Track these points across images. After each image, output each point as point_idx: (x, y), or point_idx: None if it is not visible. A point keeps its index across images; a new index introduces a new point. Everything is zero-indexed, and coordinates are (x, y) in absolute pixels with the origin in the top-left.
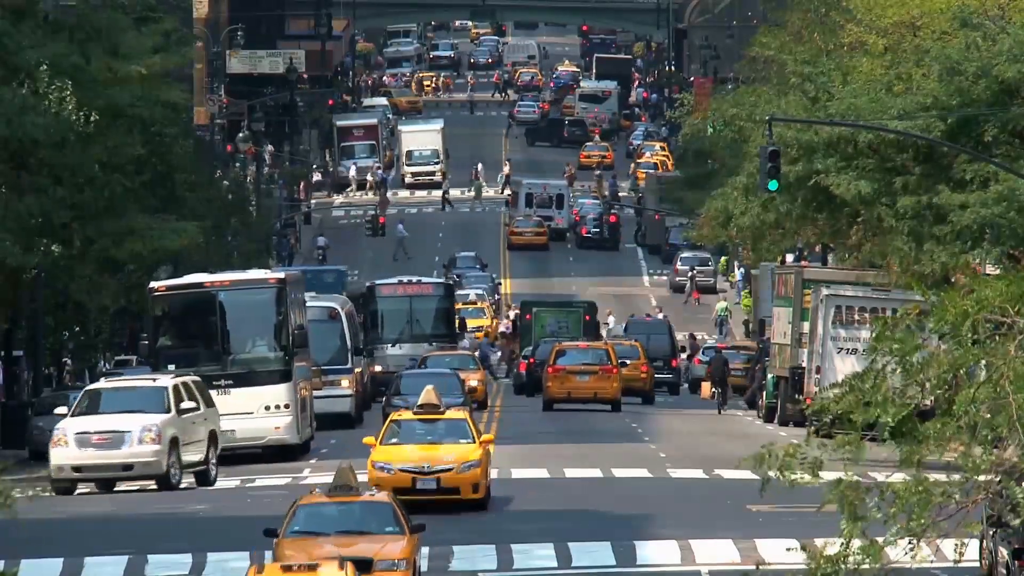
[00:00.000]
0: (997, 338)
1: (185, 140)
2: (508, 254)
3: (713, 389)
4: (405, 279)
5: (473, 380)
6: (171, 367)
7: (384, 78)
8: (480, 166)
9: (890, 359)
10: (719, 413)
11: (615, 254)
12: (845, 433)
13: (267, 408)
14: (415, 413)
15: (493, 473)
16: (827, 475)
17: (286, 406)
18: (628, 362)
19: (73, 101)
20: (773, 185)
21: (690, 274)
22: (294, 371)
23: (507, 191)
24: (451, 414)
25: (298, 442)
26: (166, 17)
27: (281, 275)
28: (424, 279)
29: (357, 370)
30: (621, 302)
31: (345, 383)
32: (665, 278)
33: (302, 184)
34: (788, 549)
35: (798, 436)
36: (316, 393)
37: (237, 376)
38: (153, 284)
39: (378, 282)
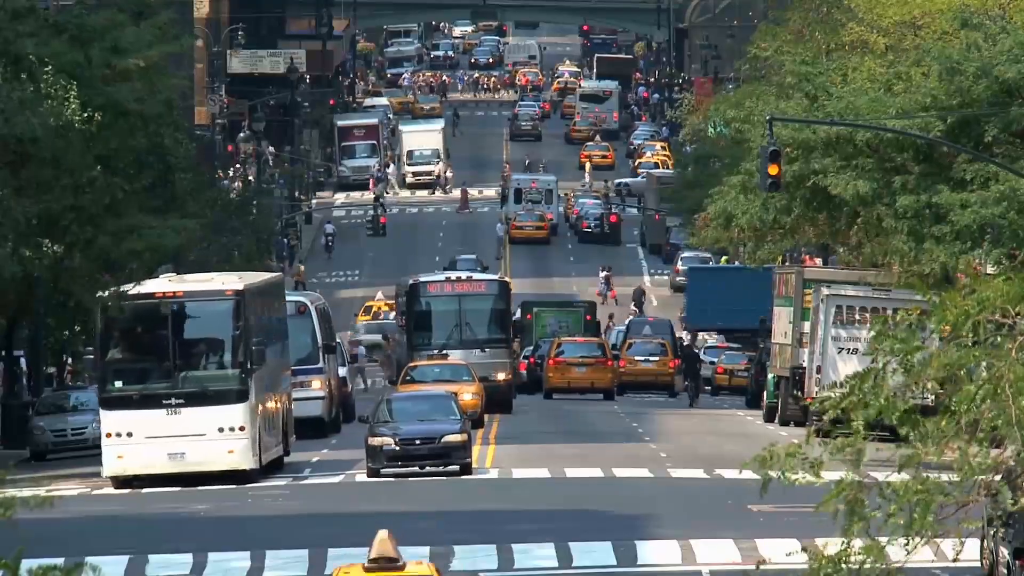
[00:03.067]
0: (998, 339)
1: (185, 139)
2: (509, 256)
3: (685, 383)
4: (454, 275)
5: (467, 393)
6: (118, 383)
7: (402, 79)
8: (392, 167)
9: (891, 359)
10: (691, 407)
11: (616, 253)
12: (845, 434)
13: (220, 430)
14: (366, 569)
15: (494, 473)
16: (828, 475)
17: (241, 428)
18: (656, 358)
19: (76, 102)
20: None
21: (603, 274)
22: (252, 390)
23: (450, 191)
24: (413, 570)
25: (255, 467)
26: (163, 12)
27: (239, 286)
28: (476, 275)
29: (334, 378)
30: (622, 302)
31: (316, 384)
32: (666, 277)
33: (373, 183)
34: (788, 554)
35: (799, 436)
36: None
37: (189, 395)
38: (101, 293)
39: (423, 278)
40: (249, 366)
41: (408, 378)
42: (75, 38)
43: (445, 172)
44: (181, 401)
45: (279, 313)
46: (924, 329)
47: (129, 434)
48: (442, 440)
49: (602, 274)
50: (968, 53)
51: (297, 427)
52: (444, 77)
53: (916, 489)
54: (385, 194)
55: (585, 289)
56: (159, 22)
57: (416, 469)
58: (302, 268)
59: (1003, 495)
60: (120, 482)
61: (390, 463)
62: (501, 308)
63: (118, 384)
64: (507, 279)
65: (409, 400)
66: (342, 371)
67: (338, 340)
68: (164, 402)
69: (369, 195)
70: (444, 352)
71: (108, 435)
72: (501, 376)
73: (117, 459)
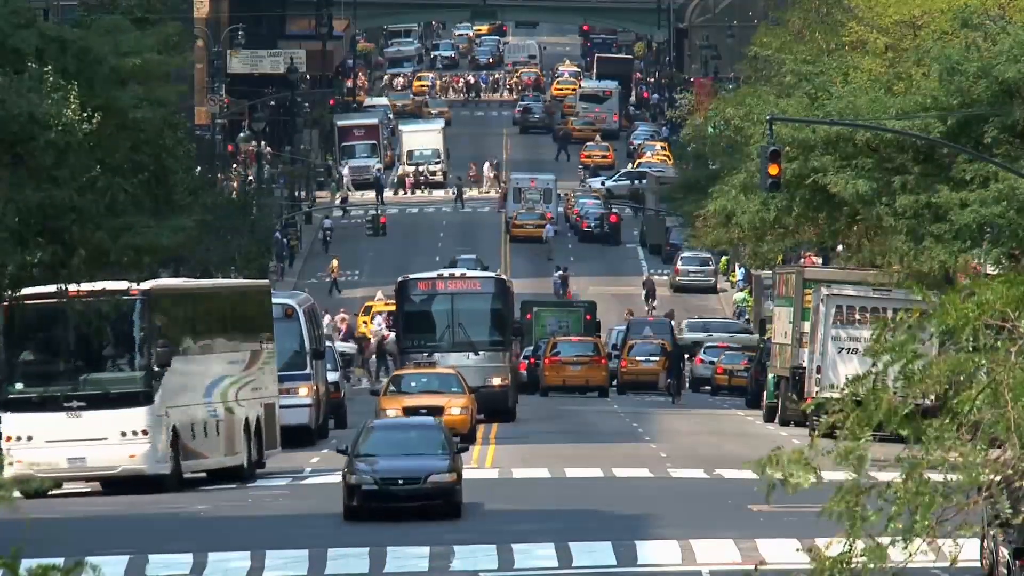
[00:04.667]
0: (998, 343)
1: (185, 139)
2: (510, 257)
3: (668, 380)
4: (447, 272)
5: (455, 407)
6: (19, 385)
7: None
8: (346, 168)
9: (891, 362)
10: (672, 403)
11: (616, 254)
12: (849, 439)
13: (123, 434)
14: None
15: (494, 473)
16: (829, 475)
17: (144, 432)
18: (656, 358)
19: (76, 102)
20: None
21: (558, 274)
22: (159, 392)
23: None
24: None
25: (163, 473)
26: (168, 23)
27: (147, 286)
28: (470, 272)
29: (322, 383)
30: (621, 302)
31: (303, 391)
32: (666, 278)
33: (407, 182)
34: (797, 550)
35: (799, 436)
36: None
37: (90, 397)
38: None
39: (412, 276)
40: (155, 368)
41: (392, 388)
42: (79, 58)
43: (490, 173)
44: (83, 404)
45: (254, 318)
46: (923, 331)
47: (29, 438)
48: (428, 480)
49: (556, 274)
50: (968, 53)
51: (283, 435)
52: (470, 77)
53: (916, 491)
54: (346, 196)
55: (585, 289)
56: (164, 32)
57: (399, 509)
58: (336, 264)
59: (1000, 503)
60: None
61: (369, 504)
62: (498, 308)
63: (18, 386)
64: (504, 276)
65: (392, 430)
66: (333, 375)
67: (329, 344)
68: (65, 405)
69: (370, 195)
70: (431, 360)
71: (8, 439)
72: (497, 381)
73: (16, 463)
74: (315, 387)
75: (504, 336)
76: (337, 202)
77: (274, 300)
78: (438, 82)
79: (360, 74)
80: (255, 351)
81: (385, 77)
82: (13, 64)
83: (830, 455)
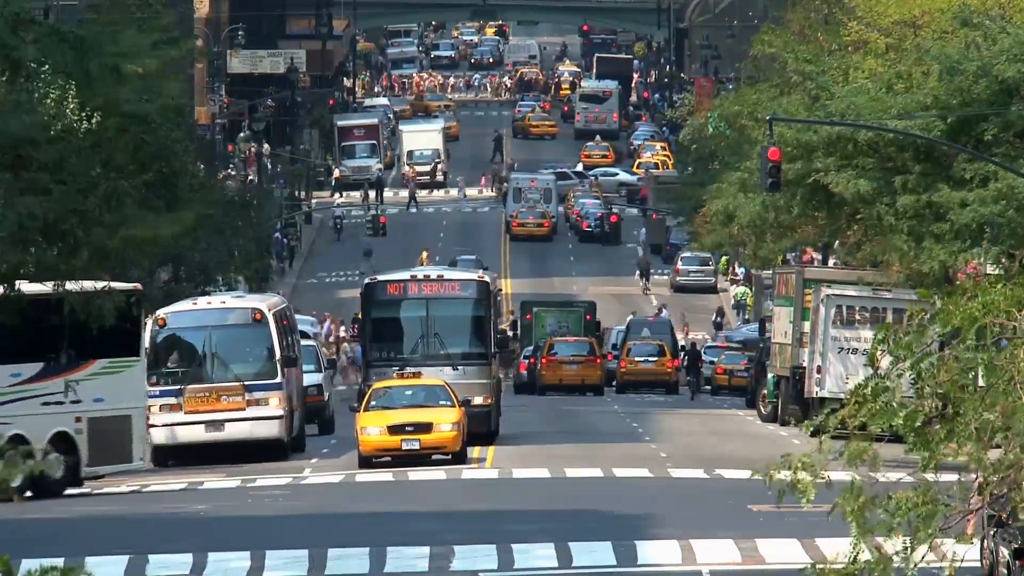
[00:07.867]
0: (1004, 342)
1: (185, 141)
2: (509, 256)
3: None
4: (420, 274)
5: (445, 423)
6: None
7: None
8: (348, 169)
9: (903, 364)
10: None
11: (616, 254)
12: (860, 438)
13: None
14: None
15: (494, 473)
16: (833, 475)
17: None
18: (655, 359)
19: (75, 102)
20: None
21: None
22: None
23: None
24: None
25: None
26: (165, 12)
27: None
28: (447, 273)
29: (296, 393)
30: (621, 302)
31: (274, 402)
32: (666, 277)
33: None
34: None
35: (799, 436)
36: (237, 415)
37: None
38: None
39: (381, 278)
40: None
41: (373, 403)
42: (75, 49)
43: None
44: None
45: (55, 328)
46: (926, 333)
47: None
48: None
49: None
50: (968, 53)
51: (251, 450)
52: (506, 78)
53: (920, 501)
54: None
55: (585, 289)
56: (161, 24)
57: None
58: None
59: (1005, 503)
60: None
61: None
62: (480, 315)
63: None
64: (486, 278)
65: None
66: (317, 377)
67: (312, 343)
68: None
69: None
70: (415, 369)
71: None
72: (479, 400)
73: None
74: (287, 397)
75: (486, 347)
76: (338, 200)
77: (242, 304)
78: (483, 83)
79: (363, 74)
80: (53, 364)
81: (382, 78)
82: (13, 67)
83: (840, 457)
